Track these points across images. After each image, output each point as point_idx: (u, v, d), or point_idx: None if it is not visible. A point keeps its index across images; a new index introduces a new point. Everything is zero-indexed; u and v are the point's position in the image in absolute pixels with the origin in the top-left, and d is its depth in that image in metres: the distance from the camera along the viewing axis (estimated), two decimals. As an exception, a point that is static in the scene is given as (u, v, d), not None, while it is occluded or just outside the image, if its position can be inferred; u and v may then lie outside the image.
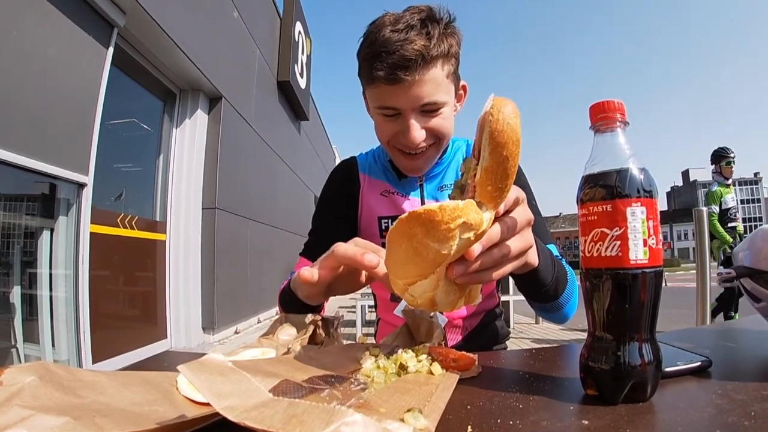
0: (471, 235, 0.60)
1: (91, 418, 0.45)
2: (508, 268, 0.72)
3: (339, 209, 1.44)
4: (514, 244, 0.70)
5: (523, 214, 0.71)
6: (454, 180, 1.33)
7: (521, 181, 1.34)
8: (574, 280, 1.09)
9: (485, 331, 1.43)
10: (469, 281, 0.67)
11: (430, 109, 1.16)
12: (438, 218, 0.56)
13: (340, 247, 0.80)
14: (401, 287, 0.68)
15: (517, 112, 0.60)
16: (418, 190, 1.37)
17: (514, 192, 0.68)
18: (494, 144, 0.59)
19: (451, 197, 0.70)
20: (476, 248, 0.63)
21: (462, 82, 1.29)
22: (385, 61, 1.08)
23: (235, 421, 0.38)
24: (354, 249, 0.79)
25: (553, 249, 1.18)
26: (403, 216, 0.58)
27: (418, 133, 1.16)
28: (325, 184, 1.52)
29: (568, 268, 1.11)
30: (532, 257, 0.80)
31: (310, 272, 0.82)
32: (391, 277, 0.70)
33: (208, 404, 0.45)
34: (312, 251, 1.38)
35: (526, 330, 7.51)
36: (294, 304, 0.98)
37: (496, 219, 0.66)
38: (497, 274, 0.70)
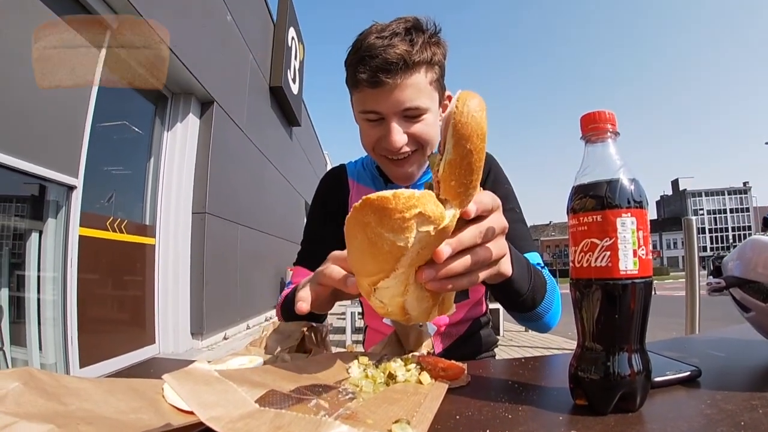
0: (430, 229, 0.57)
1: (75, 426, 0.44)
2: (480, 276, 0.70)
3: (329, 216, 1.44)
4: (487, 251, 0.69)
5: (497, 221, 0.70)
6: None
7: (505, 189, 1.35)
8: (555, 290, 1.09)
9: (472, 339, 1.42)
10: (439, 287, 0.66)
11: (412, 115, 1.17)
12: (391, 206, 0.54)
13: (327, 270, 0.80)
14: (366, 288, 0.67)
15: (483, 105, 0.58)
16: None
17: (490, 198, 0.68)
18: (458, 137, 0.58)
19: None
20: (445, 250, 0.61)
21: (447, 93, 1.30)
22: (368, 65, 1.09)
23: (221, 432, 0.37)
24: (338, 272, 0.78)
25: (535, 257, 1.18)
26: (357, 203, 0.56)
27: (399, 136, 1.16)
28: (315, 192, 1.52)
29: (549, 277, 1.10)
30: (505, 266, 0.79)
31: (304, 301, 0.82)
32: (356, 278, 0.69)
33: (194, 413, 0.44)
34: (305, 260, 1.38)
35: (516, 338, 7.52)
36: (298, 316, 0.98)
37: (469, 223, 0.65)
38: (468, 281, 0.68)
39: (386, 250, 0.59)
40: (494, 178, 1.36)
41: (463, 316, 1.39)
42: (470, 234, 0.65)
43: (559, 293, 1.11)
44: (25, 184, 3.43)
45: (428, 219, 0.56)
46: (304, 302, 0.82)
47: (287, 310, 1.10)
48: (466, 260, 0.66)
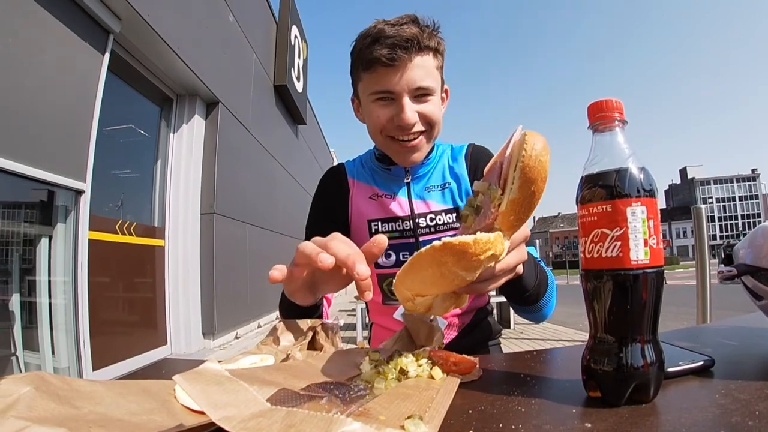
0: (493, 263, 0.65)
1: (87, 429, 0.44)
2: (503, 279, 0.77)
3: (330, 215, 1.46)
4: (512, 258, 0.75)
5: (522, 231, 0.75)
6: (441, 182, 1.41)
7: None
8: (553, 282, 1.16)
9: (478, 328, 1.45)
10: (469, 291, 0.73)
11: (421, 94, 1.23)
12: (471, 250, 0.59)
13: (301, 246, 0.77)
14: (407, 296, 0.71)
15: (548, 149, 0.63)
16: (405, 188, 1.40)
17: None
18: (524, 179, 0.63)
19: (463, 214, 0.76)
20: None
21: (445, 86, 1.37)
22: (384, 43, 1.17)
23: (233, 432, 0.37)
24: (311, 248, 0.75)
25: (533, 251, 1.20)
26: (437, 243, 0.60)
27: (412, 113, 1.22)
28: (315, 192, 1.54)
29: (547, 270, 1.16)
30: (520, 268, 0.84)
31: (279, 270, 0.78)
32: (398, 286, 0.71)
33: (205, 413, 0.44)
34: None
35: (527, 330, 7.51)
36: (290, 307, 0.97)
37: None
38: (494, 285, 0.76)
39: (454, 283, 0.66)
40: None
41: (468, 306, 1.43)
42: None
43: (555, 286, 1.18)
44: (33, 190, 3.44)
45: (495, 257, 0.63)
46: (277, 271, 0.77)
47: (285, 308, 1.08)
48: (495, 268, 0.73)
